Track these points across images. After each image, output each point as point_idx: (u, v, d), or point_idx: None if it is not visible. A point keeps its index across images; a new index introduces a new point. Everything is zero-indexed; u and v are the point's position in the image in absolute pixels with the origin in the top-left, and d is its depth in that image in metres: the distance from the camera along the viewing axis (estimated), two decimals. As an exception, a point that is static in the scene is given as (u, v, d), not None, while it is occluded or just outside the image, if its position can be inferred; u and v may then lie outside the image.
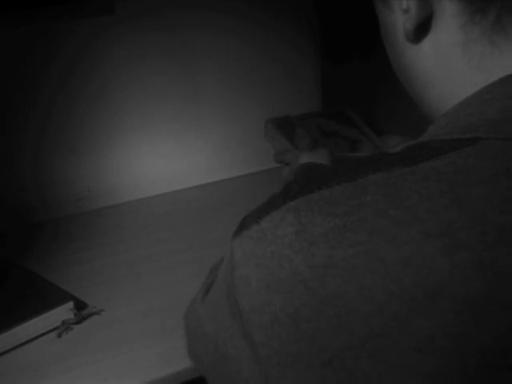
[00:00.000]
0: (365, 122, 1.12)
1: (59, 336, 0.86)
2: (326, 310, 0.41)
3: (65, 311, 0.88)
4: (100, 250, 1.08)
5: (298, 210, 0.44)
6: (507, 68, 0.48)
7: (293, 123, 1.08)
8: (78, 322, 0.88)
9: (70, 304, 0.88)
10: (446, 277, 0.39)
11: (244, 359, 0.46)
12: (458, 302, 0.39)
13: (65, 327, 0.86)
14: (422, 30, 0.50)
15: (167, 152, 1.29)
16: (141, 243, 1.10)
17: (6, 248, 1.09)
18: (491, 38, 0.48)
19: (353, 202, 0.42)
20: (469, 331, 0.38)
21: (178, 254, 1.06)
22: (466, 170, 0.42)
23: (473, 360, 0.38)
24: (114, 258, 1.05)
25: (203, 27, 1.24)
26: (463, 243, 0.39)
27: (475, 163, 0.42)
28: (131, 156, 1.26)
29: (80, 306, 0.90)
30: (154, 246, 1.09)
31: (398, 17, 0.51)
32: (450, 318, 0.39)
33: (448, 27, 0.49)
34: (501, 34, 0.48)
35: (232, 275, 0.46)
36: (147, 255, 1.06)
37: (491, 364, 0.38)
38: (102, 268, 1.02)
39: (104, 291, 0.96)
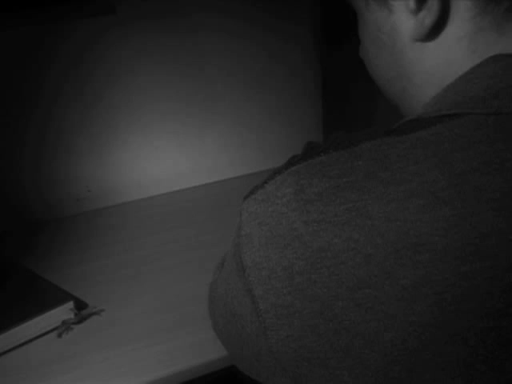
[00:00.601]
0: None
1: (59, 336, 0.86)
2: (317, 262, 0.44)
3: (65, 311, 0.88)
4: (100, 250, 1.08)
5: (298, 173, 0.47)
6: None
7: None
8: (78, 322, 0.88)
9: (70, 304, 0.88)
10: (427, 230, 0.42)
11: (247, 314, 0.49)
12: (438, 252, 0.42)
13: (65, 327, 0.86)
14: (438, 25, 0.51)
15: (167, 152, 1.28)
16: (141, 243, 1.10)
17: (6, 248, 1.09)
18: (500, 26, 0.49)
19: (346, 166, 0.46)
20: (448, 279, 0.41)
21: (179, 254, 1.06)
22: (451, 138, 0.45)
23: (452, 306, 0.41)
24: (114, 258, 1.05)
25: (204, 28, 1.24)
26: (444, 200, 0.42)
27: (459, 133, 0.45)
28: (131, 156, 1.26)
29: (80, 306, 0.90)
30: (154, 246, 1.09)
31: (400, 17, 0.51)
32: (431, 267, 0.41)
33: (460, 20, 0.50)
34: (511, 21, 0.49)
35: (238, 235, 0.49)
36: (147, 255, 1.06)
37: (470, 310, 0.41)
38: (101, 268, 1.02)
39: (104, 291, 0.96)
